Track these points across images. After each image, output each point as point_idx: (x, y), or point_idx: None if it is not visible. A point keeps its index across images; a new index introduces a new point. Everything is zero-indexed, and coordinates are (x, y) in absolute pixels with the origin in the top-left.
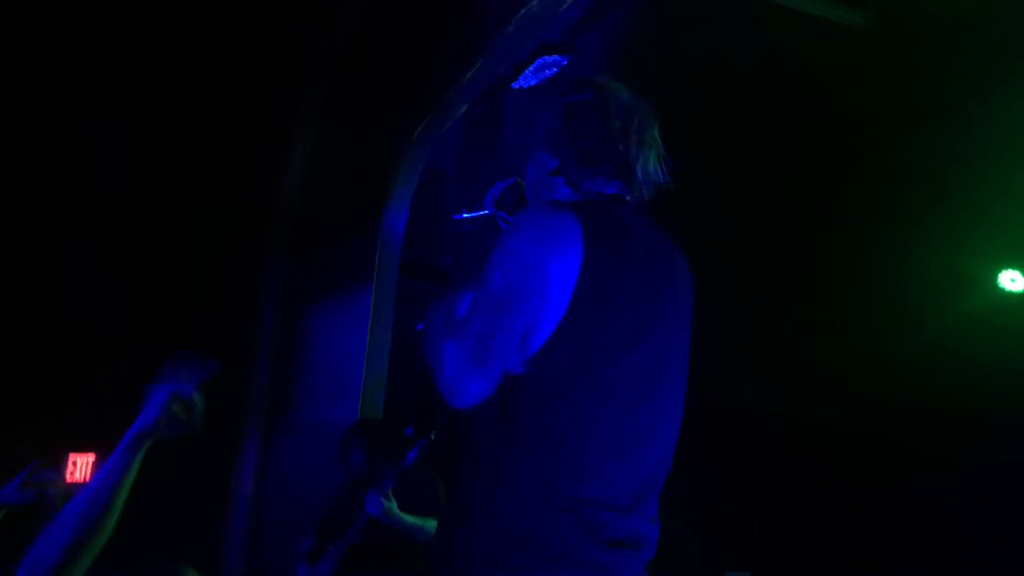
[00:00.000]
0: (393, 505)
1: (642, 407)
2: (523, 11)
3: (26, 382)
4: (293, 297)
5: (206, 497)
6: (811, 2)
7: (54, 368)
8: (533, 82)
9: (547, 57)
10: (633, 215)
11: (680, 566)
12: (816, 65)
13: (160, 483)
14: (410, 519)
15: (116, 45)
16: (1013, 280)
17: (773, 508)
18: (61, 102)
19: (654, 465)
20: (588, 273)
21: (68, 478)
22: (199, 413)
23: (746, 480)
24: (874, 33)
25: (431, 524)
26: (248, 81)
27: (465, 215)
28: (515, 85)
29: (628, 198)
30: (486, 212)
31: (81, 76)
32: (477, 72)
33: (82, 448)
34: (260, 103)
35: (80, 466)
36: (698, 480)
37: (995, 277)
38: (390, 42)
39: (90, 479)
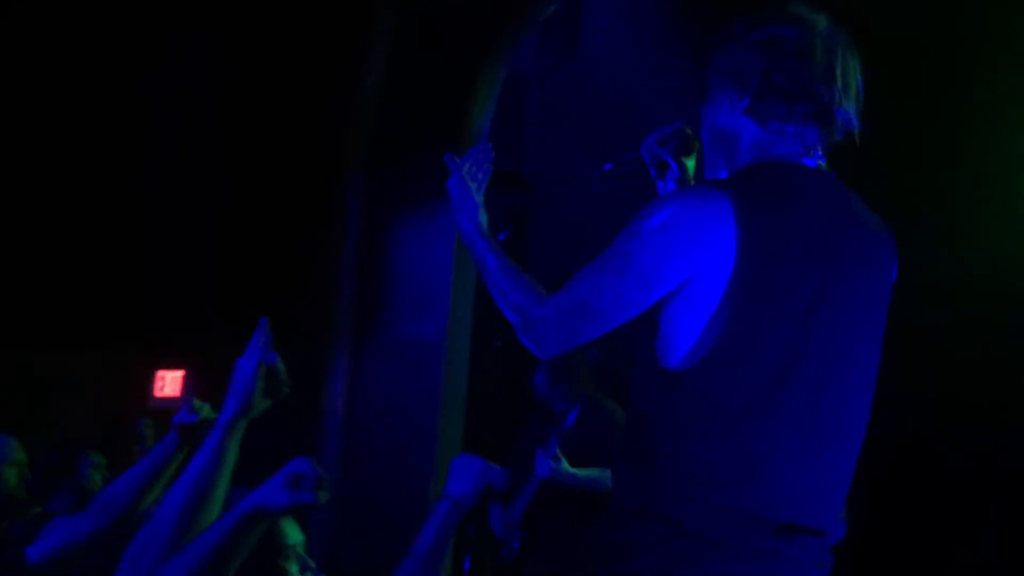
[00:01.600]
0: (563, 464)
1: (820, 399)
2: None
3: (116, 298)
4: (376, 210)
5: (297, 418)
6: None
7: (141, 284)
8: None
9: None
10: (814, 181)
11: None
12: None
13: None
14: (583, 473)
15: None
16: None
17: None
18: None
19: (836, 460)
20: (743, 262)
21: (156, 392)
22: (284, 379)
23: None
24: None
25: (607, 475)
26: None
27: (610, 167)
28: None
29: (818, 152)
30: (635, 156)
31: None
32: None
33: (170, 365)
34: (336, 7)
35: (169, 382)
36: None
37: None
38: None
39: (188, 466)
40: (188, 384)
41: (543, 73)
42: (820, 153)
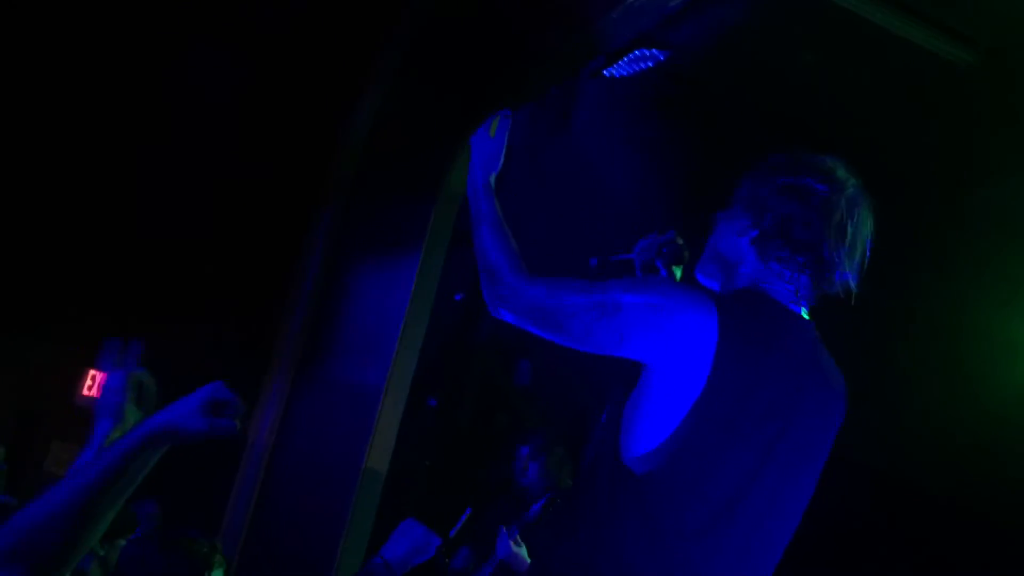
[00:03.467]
0: (523, 551)
1: (760, 528)
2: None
3: (61, 286)
4: (341, 248)
5: (220, 446)
6: (922, 33)
7: (92, 281)
8: (626, 72)
9: (645, 50)
10: (796, 328)
11: None
12: (906, 100)
13: None
14: None
15: None
16: None
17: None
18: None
19: None
20: (719, 388)
21: (84, 391)
22: (153, 390)
23: None
24: (978, 74)
25: None
26: (329, 20)
27: (595, 263)
28: (607, 72)
29: (805, 302)
30: (627, 257)
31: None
32: (571, 53)
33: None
34: (338, 43)
35: (98, 383)
36: None
37: None
38: (484, 5)
39: (83, 466)
40: None
41: (530, 146)
42: (807, 302)
